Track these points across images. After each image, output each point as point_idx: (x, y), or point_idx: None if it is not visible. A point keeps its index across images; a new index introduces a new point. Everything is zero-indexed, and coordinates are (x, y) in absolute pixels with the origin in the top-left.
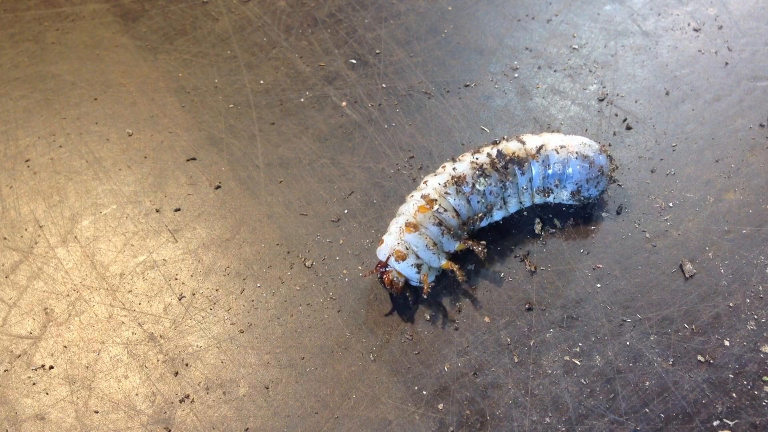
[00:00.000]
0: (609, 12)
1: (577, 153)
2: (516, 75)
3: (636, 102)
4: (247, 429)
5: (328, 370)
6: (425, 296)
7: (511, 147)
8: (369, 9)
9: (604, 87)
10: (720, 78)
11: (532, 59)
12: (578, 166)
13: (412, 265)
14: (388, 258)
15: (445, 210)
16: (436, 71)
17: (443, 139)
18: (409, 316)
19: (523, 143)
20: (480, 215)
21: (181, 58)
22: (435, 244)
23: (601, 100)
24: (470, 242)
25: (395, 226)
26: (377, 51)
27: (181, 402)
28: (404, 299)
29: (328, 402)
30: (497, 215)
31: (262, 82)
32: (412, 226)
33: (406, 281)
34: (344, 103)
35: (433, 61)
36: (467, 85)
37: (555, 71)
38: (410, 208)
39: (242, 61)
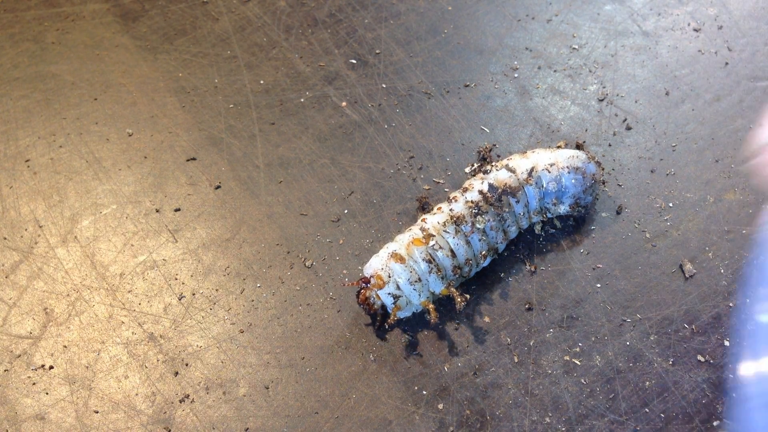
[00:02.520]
0: (609, 12)
1: (567, 167)
2: (516, 75)
3: (636, 102)
4: (247, 429)
5: (328, 370)
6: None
7: (501, 178)
8: (369, 9)
9: (604, 87)
10: (720, 78)
11: (532, 59)
12: (572, 180)
13: (389, 294)
14: (369, 278)
15: (441, 248)
16: (436, 71)
17: (443, 139)
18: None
19: (513, 170)
20: (483, 253)
21: (181, 58)
22: (420, 279)
23: (601, 100)
24: (453, 291)
25: (386, 250)
26: (377, 51)
27: (181, 402)
28: (373, 321)
29: (328, 402)
30: (501, 247)
31: (262, 82)
32: (400, 258)
33: (382, 306)
34: (344, 103)
35: (433, 61)
36: (467, 85)
37: (555, 71)
38: (405, 238)
39: (242, 61)
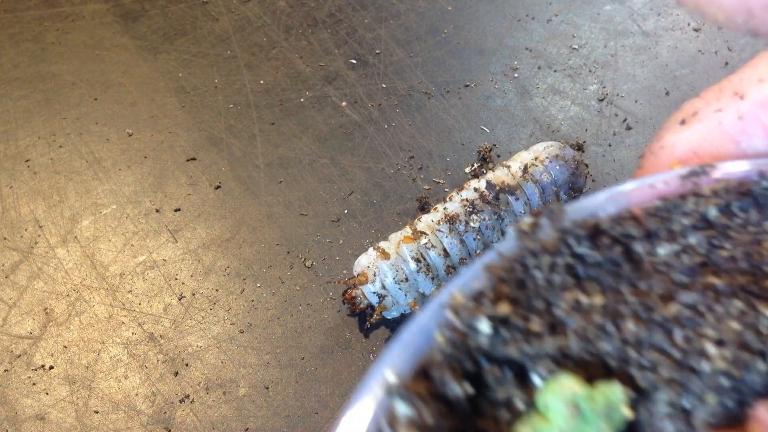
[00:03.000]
0: (609, 12)
1: (548, 157)
2: (516, 75)
3: (636, 102)
4: (247, 429)
5: (328, 370)
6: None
7: (500, 176)
8: (369, 9)
9: (604, 87)
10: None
11: (532, 59)
12: (557, 167)
13: (374, 292)
14: (357, 276)
15: (433, 246)
16: (436, 71)
17: (443, 139)
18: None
19: (508, 167)
20: (479, 252)
21: (181, 58)
22: (407, 279)
23: (601, 100)
24: None
25: (375, 249)
26: (377, 51)
27: (181, 402)
28: (362, 321)
29: (328, 402)
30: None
31: (262, 82)
32: (385, 253)
33: (369, 305)
34: (344, 103)
35: (433, 61)
36: (467, 85)
37: (555, 71)
38: (397, 236)
39: (242, 61)
